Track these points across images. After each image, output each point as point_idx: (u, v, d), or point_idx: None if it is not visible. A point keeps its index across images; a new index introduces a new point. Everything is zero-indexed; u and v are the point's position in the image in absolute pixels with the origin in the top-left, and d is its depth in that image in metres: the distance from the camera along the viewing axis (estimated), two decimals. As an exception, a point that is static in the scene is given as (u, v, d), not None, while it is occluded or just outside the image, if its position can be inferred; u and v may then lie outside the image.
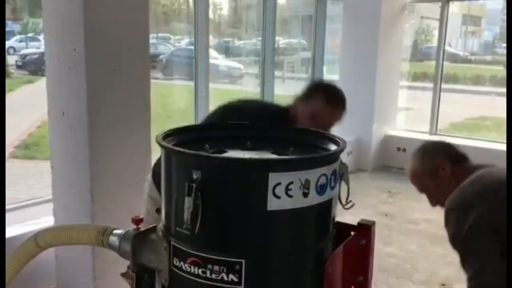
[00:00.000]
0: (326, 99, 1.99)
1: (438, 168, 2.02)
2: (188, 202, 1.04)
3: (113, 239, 1.27)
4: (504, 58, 9.11)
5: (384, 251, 3.85)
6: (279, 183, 1.04)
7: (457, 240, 1.86)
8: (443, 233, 4.52)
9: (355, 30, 5.84)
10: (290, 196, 1.05)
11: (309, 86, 2.11)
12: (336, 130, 6.35)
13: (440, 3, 5.99)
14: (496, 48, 10.44)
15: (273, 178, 1.04)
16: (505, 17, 9.51)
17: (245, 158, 1.09)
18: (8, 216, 2.83)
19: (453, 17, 6.99)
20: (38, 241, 1.39)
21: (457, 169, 2.01)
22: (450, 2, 5.99)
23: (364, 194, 4.51)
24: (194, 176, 1.05)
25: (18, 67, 7.55)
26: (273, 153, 1.30)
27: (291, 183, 1.05)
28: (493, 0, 8.63)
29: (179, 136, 1.27)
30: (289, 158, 1.20)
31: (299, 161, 1.13)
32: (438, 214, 4.52)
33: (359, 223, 1.35)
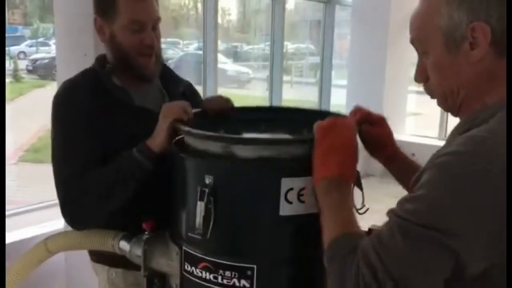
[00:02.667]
0: None
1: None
2: (200, 206, 1.04)
3: (124, 244, 1.28)
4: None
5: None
6: (292, 189, 1.04)
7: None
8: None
9: (364, 35, 5.83)
10: (302, 202, 1.05)
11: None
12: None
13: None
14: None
15: (286, 183, 1.04)
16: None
17: (258, 164, 1.08)
18: (18, 219, 2.84)
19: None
20: (48, 246, 1.39)
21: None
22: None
23: (372, 200, 4.47)
24: (207, 181, 1.05)
25: (29, 71, 7.62)
26: (288, 132, 1.29)
27: (303, 188, 1.05)
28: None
29: (195, 120, 1.25)
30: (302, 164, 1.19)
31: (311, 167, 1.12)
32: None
33: (369, 229, 1.34)
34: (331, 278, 0.88)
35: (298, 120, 1.32)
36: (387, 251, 0.81)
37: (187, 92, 1.58)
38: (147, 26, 1.36)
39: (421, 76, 0.95)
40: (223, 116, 1.38)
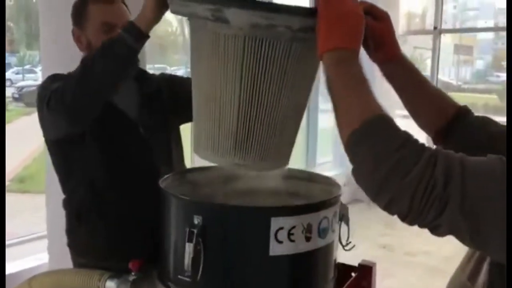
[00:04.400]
0: (97, 2, 1.45)
1: None
2: (189, 248, 1.02)
3: (110, 285, 1.24)
4: (497, 87, 9.24)
5: (384, 285, 3.80)
6: (281, 228, 1.03)
7: None
8: (443, 266, 4.42)
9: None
10: (293, 241, 1.04)
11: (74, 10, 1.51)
12: (334, 161, 6.17)
13: (432, 36, 6.10)
14: (488, 76, 10.60)
15: (275, 222, 1.03)
16: (496, 46, 9.71)
17: (247, 205, 1.08)
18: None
19: (445, 47, 7.10)
20: (33, 285, 1.36)
21: None
22: (442, 34, 6.10)
23: (361, 226, 4.48)
24: (196, 221, 1.03)
25: (15, 99, 7.57)
26: None
27: (294, 227, 1.04)
28: (484, 32, 8.82)
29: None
30: (292, 205, 1.19)
31: (301, 206, 1.12)
32: (437, 246, 4.47)
33: (360, 264, 1.33)
34: (374, 151, 0.77)
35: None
36: (475, 172, 0.74)
37: (162, 85, 1.59)
38: (117, 27, 1.39)
39: None
40: None
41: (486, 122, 1.08)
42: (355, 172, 0.82)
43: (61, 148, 1.46)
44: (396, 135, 0.79)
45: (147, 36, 1.23)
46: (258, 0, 0.97)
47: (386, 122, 0.81)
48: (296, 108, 1.12)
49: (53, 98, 1.25)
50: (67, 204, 1.53)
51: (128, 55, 1.23)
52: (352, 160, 0.83)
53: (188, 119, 1.66)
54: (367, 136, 0.80)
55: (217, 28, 0.98)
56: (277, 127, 1.06)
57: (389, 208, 0.79)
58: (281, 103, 1.04)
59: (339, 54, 0.90)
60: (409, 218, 0.77)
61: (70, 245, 1.54)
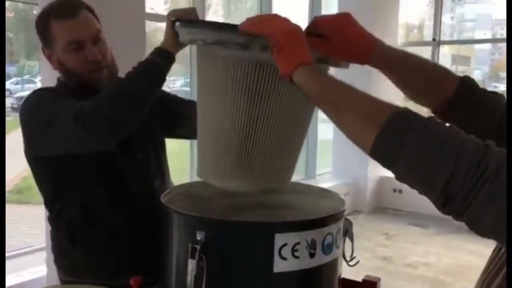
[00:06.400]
0: (59, 19, 1.35)
1: None
2: (191, 264, 1.01)
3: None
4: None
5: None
6: (285, 244, 1.02)
7: None
8: (442, 278, 4.38)
9: (348, 71, 5.92)
10: (297, 257, 1.03)
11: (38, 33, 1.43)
12: (333, 172, 6.14)
13: (430, 47, 6.13)
14: (486, 87, 10.67)
15: (279, 239, 1.02)
16: (493, 57, 9.75)
17: (250, 221, 1.07)
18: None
19: (443, 57, 7.13)
20: None
21: None
22: (440, 45, 6.14)
23: (361, 237, 4.47)
24: (198, 237, 1.02)
25: (13, 109, 7.55)
26: None
27: (298, 243, 1.02)
28: (481, 44, 8.88)
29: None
30: (296, 220, 1.17)
31: (305, 221, 1.10)
32: (436, 258, 4.43)
33: (364, 280, 1.31)
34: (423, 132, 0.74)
35: None
36: None
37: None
38: (85, 42, 1.35)
39: None
40: None
41: (496, 102, 1.06)
42: (402, 169, 0.76)
43: (50, 167, 1.39)
44: (428, 124, 0.75)
45: (173, 55, 1.28)
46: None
47: (411, 113, 0.77)
48: (295, 133, 1.14)
49: (89, 116, 1.21)
50: (53, 222, 1.45)
51: (161, 77, 1.29)
52: (392, 159, 0.76)
53: (177, 136, 1.66)
54: (399, 131, 0.75)
55: (214, 52, 1.02)
56: (277, 152, 1.09)
57: (447, 187, 0.72)
58: (277, 129, 1.06)
59: (310, 67, 0.88)
60: (461, 195, 0.72)
61: (58, 263, 1.48)
